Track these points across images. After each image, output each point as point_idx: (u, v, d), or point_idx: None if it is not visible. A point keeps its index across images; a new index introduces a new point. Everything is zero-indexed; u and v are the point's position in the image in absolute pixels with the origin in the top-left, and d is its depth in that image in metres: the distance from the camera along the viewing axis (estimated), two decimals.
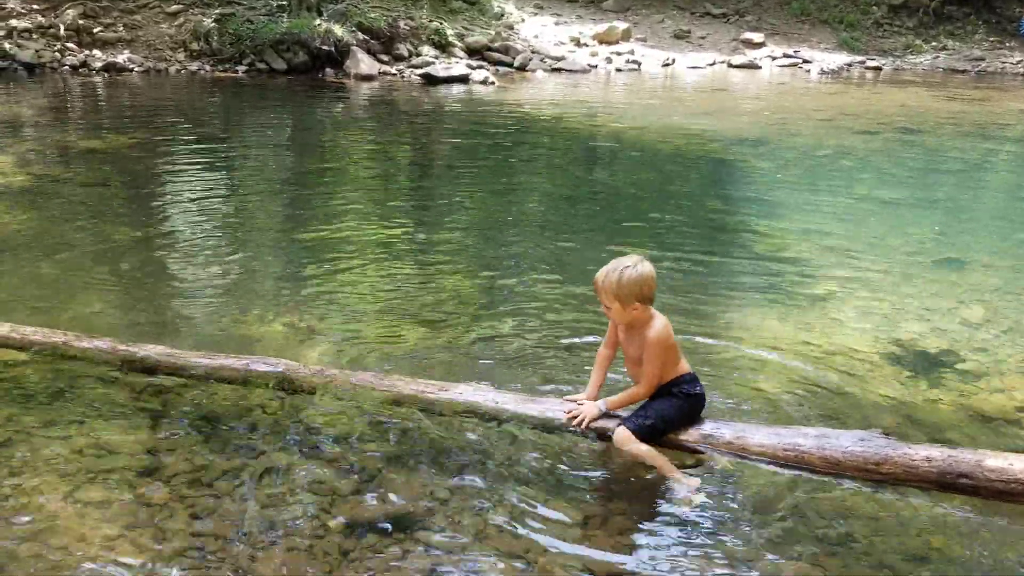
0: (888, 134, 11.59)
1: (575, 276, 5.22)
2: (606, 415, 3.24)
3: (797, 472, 3.06)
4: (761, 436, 3.16)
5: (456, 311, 4.69)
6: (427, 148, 10.21)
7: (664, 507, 2.95)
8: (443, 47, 16.80)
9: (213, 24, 15.13)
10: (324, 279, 5.14)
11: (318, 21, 15.13)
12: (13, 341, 3.83)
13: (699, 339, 4.23)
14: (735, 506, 2.95)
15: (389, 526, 2.76)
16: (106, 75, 13.94)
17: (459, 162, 9.37)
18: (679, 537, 2.79)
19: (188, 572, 2.53)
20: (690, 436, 3.21)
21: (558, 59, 17.93)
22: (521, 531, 2.77)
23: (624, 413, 3.25)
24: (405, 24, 16.64)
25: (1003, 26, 23.60)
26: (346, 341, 4.20)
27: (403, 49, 16.28)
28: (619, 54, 19.07)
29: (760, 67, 19.79)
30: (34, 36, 14.35)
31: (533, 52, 17.92)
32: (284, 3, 15.42)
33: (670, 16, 22.26)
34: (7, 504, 2.80)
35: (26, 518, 2.74)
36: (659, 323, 3.18)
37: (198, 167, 8.24)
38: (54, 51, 14.17)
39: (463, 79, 15.29)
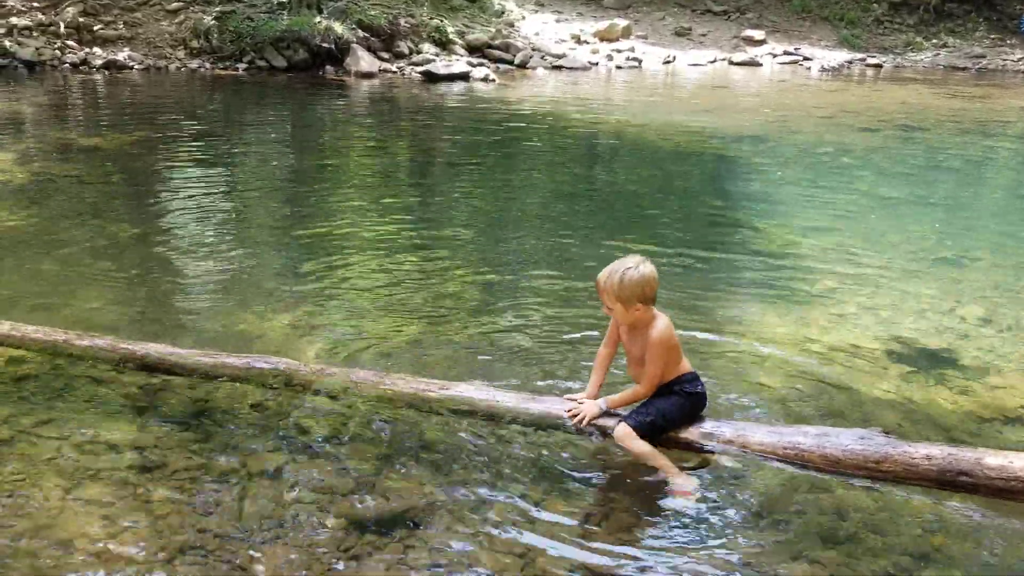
0: (888, 131, 11.58)
1: (575, 272, 5.22)
2: (607, 413, 3.24)
3: (797, 471, 3.06)
4: (761, 434, 3.16)
5: (456, 307, 4.69)
6: (427, 145, 10.21)
7: (664, 507, 2.95)
8: (443, 44, 16.80)
9: (213, 21, 15.13)
10: (324, 275, 5.14)
11: (318, 19, 15.12)
12: (13, 339, 3.83)
13: (699, 335, 4.24)
14: (735, 505, 2.95)
15: (388, 525, 2.76)
16: (106, 73, 13.95)
17: (459, 159, 9.37)
18: (679, 537, 2.79)
19: (187, 570, 2.53)
20: (690, 434, 3.21)
21: (559, 56, 17.92)
22: (520, 530, 2.76)
23: (624, 411, 3.25)
24: (405, 22, 16.64)
25: (1004, 23, 23.60)
26: (346, 337, 4.20)
27: (403, 47, 16.28)
28: (620, 51, 19.07)
29: (761, 64, 19.79)
30: (34, 34, 14.36)
31: (534, 49, 17.91)
32: (284, 0, 15.41)
33: (671, 13, 22.25)
34: (7, 501, 2.80)
35: (26, 515, 2.74)
36: (661, 323, 3.18)
37: (198, 164, 8.25)
38: (54, 49, 14.18)
39: (463, 77, 15.28)
